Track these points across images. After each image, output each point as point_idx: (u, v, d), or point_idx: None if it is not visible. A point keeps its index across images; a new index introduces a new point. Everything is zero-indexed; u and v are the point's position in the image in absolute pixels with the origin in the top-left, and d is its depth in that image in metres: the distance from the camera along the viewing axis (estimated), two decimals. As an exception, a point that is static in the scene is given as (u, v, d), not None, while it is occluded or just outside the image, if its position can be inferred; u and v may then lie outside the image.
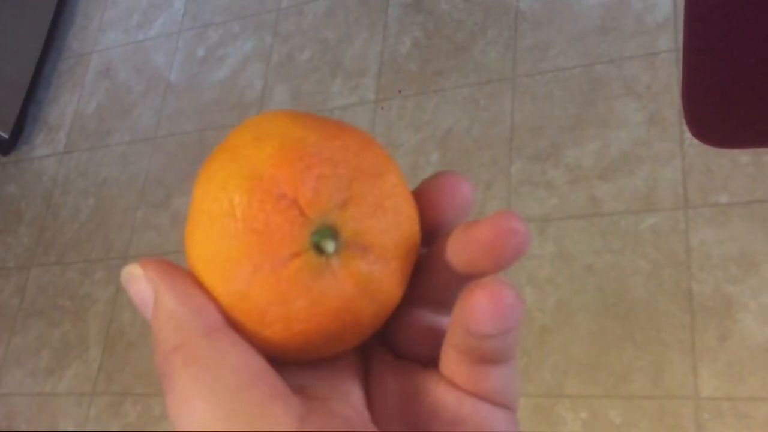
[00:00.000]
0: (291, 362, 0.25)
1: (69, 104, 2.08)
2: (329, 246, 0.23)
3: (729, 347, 1.18)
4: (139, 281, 0.24)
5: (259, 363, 0.23)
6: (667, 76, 1.40)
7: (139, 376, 1.63)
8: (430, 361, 0.25)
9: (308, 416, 0.22)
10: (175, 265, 0.25)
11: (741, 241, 1.24)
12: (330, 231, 0.24)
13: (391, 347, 0.27)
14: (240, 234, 0.23)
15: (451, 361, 0.24)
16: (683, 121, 1.41)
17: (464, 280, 0.24)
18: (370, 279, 0.24)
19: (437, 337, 0.25)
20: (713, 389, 1.16)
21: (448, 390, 0.24)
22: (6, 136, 2.04)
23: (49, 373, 1.74)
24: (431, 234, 0.26)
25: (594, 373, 1.25)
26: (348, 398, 0.25)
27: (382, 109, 1.64)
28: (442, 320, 0.26)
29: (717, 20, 1.34)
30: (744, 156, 1.30)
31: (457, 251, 0.24)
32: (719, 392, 1.16)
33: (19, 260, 1.92)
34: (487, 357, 0.23)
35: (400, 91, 1.64)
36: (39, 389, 1.73)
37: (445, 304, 0.25)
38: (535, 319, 1.31)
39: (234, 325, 0.24)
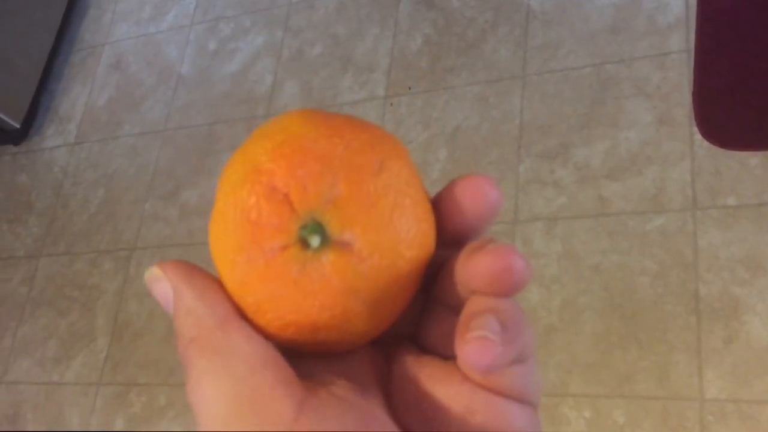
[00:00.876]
0: (294, 352, 0.26)
1: (80, 96, 2.09)
2: (314, 241, 0.24)
3: (735, 349, 1.18)
4: (161, 282, 0.26)
5: (267, 351, 0.24)
6: (677, 76, 1.40)
7: (144, 366, 1.64)
8: (453, 357, 0.25)
9: (308, 400, 0.23)
10: (191, 265, 0.26)
11: (749, 243, 1.24)
12: (316, 226, 0.24)
13: (419, 343, 0.27)
14: (237, 225, 0.24)
15: None
16: (693, 122, 1.41)
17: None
18: (357, 276, 0.24)
19: None
20: (718, 391, 1.16)
21: (463, 382, 0.25)
22: (17, 126, 2.05)
23: (56, 363, 1.75)
24: (459, 237, 0.27)
25: (598, 372, 1.25)
26: (357, 385, 0.25)
27: (391, 105, 1.64)
28: None
29: (729, 22, 1.34)
30: (753, 158, 1.30)
31: (461, 279, 0.25)
32: (724, 394, 1.16)
33: (29, 250, 1.93)
34: None
35: (410, 88, 1.65)
36: (46, 378, 1.74)
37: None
38: (540, 318, 1.31)
39: (239, 313, 0.25)
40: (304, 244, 0.24)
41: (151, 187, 1.85)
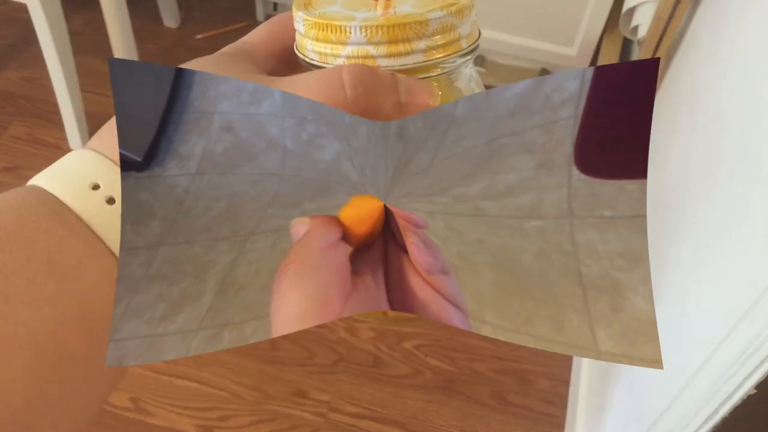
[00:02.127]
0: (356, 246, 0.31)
1: (197, 144, 2.34)
2: None
3: (622, 318, 1.25)
4: (303, 224, 0.30)
5: (342, 264, 0.28)
6: (562, 136, 1.75)
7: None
8: None
9: (352, 293, 0.28)
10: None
11: (625, 242, 1.35)
12: None
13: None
14: None
15: None
16: (572, 162, 1.80)
17: None
18: None
19: None
20: (611, 347, 1.32)
21: (419, 276, 0.30)
22: (139, 160, 2.57)
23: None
24: None
25: (504, 311, 1.50)
26: (375, 275, 0.30)
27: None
28: None
29: (616, 90, 1.96)
30: (630, 185, 1.71)
31: None
32: (617, 350, 1.42)
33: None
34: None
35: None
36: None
37: None
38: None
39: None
40: None
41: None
